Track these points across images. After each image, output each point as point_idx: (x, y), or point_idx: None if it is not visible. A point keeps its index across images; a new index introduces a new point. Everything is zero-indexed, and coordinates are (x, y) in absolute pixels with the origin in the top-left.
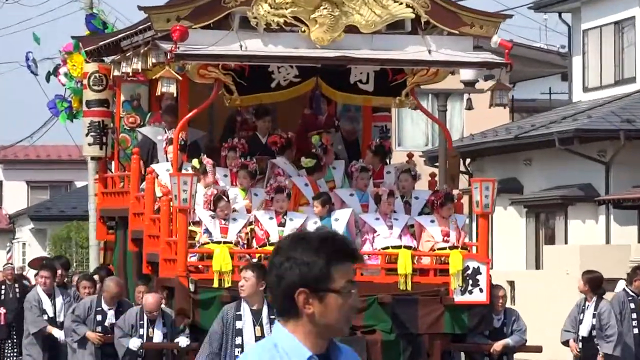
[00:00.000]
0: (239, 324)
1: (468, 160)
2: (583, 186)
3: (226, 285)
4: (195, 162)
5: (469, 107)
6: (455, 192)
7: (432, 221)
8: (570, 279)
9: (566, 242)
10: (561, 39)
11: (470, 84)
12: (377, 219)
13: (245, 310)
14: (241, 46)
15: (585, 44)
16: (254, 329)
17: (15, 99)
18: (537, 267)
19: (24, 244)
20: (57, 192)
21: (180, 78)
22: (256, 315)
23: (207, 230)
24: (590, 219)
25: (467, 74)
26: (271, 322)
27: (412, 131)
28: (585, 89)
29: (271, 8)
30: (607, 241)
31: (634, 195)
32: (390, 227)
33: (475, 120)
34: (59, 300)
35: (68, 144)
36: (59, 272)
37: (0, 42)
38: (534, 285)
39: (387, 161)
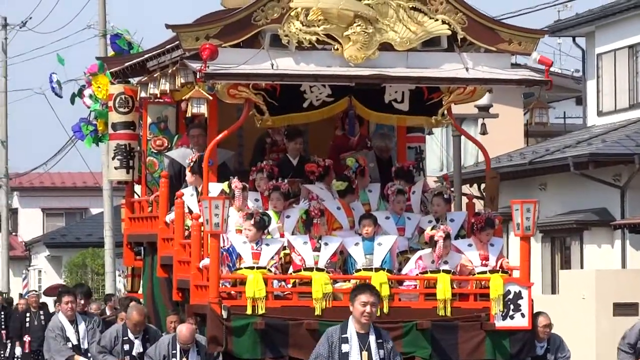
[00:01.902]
0: (345, 347)
1: (483, 186)
2: (598, 211)
3: (260, 312)
4: (225, 185)
5: (483, 132)
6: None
7: (470, 245)
8: (586, 303)
9: (582, 267)
10: (575, 63)
11: (484, 109)
12: (433, 262)
13: (352, 333)
14: (272, 65)
15: (600, 68)
16: (361, 354)
17: (30, 126)
18: (553, 291)
19: (39, 271)
20: (72, 219)
21: (211, 98)
22: (363, 340)
23: (233, 254)
24: (605, 243)
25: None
26: (379, 346)
27: (427, 156)
28: (600, 113)
29: (303, 25)
30: (623, 266)
31: None
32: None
33: (489, 145)
34: (82, 326)
35: (83, 171)
36: (81, 300)
37: (14, 70)
38: (550, 310)
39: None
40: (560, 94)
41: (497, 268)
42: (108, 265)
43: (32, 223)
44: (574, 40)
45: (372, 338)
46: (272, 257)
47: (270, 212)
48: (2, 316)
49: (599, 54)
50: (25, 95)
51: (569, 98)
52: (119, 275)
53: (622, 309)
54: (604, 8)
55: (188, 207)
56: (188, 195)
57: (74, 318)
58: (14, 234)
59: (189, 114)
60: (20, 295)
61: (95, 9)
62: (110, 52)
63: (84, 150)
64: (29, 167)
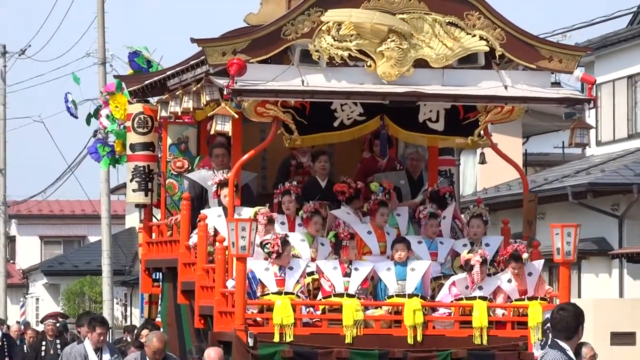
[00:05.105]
0: None
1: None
2: (596, 240)
3: (288, 340)
4: (252, 212)
5: (482, 162)
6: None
7: (510, 280)
8: (584, 332)
9: (579, 296)
10: None
11: None
12: (467, 287)
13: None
14: (302, 81)
15: (599, 97)
16: None
17: (29, 154)
18: None
19: (37, 299)
20: (71, 247)
21: (237, 115)
22: None
23: (254, 282)
24: (603, 272)
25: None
26: None
27: None
28: (599, 143)
29: (335, 40)
30: (621, 295)
31: None
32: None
33: (488, 175)
34: (107, 356)
35: (81, 199)
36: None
37: (13, 98)
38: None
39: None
40: (559, 123)
41: (536, 294)
42: (106, 293)
43: (30, 251)
44: None
45: None
46: (298, 281)
47: (304, 236)
48: (5, 345)
49: (598, 84)
50: (24, 123)
51: (568, 128)
52: (117, 304)
53: (619, 338)
54: (603, 38)
55: (214, 229)
56: (215, 216)
57: (100, 347)
58: (11, 261)
59: (212, 132)
60: (17, 323)
61: (94, 37)
62: (128, 71)
63: (83, 178)
64: (27, 194)
